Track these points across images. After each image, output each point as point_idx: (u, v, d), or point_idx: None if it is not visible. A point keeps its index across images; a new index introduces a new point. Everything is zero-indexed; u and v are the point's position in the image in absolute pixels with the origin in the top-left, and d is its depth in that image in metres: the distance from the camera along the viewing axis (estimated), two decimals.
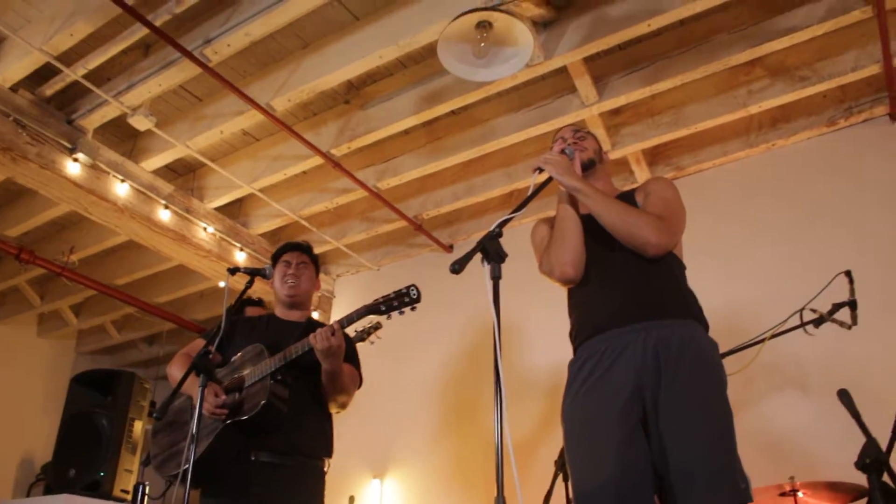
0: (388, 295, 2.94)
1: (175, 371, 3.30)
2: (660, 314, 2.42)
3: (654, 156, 5.37)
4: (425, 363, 5.79)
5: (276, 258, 3.51)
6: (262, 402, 2.97)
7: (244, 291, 3.18)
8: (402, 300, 2.91)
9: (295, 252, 3.50)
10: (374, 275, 6.54)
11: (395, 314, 2.94)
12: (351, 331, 3.32)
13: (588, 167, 2.77)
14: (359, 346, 3.41)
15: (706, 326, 2.50)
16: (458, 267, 2.06)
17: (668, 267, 2.52)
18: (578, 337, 2.56)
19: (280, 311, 3.43)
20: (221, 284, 6.21)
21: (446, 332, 5.81)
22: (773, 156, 5.02)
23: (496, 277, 2.06)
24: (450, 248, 6.20)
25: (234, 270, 3.20)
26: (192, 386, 3.12)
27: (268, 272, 3.32)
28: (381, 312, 2.95)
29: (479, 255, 2.12)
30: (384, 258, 6.48)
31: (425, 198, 5.85)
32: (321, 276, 6.50)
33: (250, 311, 4.36)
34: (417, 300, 2.90)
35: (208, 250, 5.69)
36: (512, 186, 5.49)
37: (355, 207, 6.11)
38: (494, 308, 2.01)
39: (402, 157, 5.42)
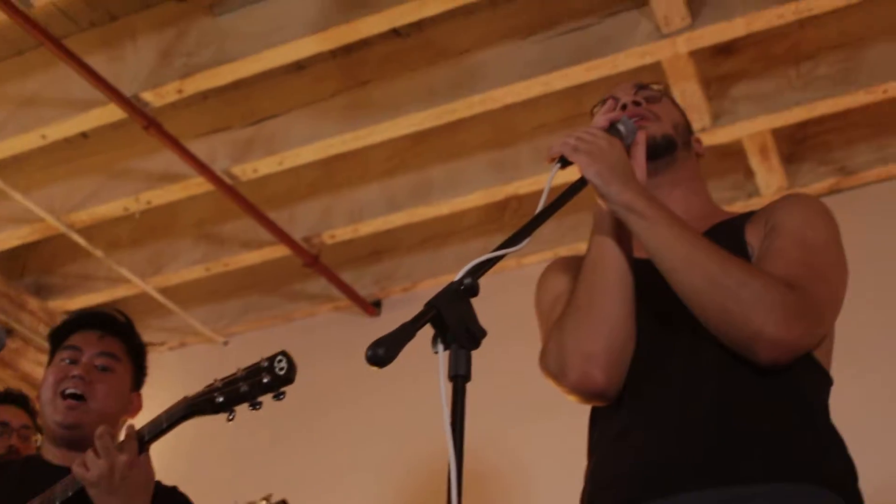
0: (233, 375, 2.58)
1: None
2: (762, 474, 2.04)
3: (796, 143, 4.81)
4: None
5: (55, 340, 3.13)
6: None
7: None
8: (258, 382, 2.52)
9: (95, 333, 3.08)
10: (218, 352, 5.79)
11: (243, 408, 2.57)
12: None
13: (659, 156, 2.40)
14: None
15: (853, 500, 2.09)
16: (383, 353, 1.64)
17: (795, 384, 2.15)
18: None
19: (50, 452, 3.09)
20: None
21: (362, 482, 4.89)
22: None
23: (460, 376, 1.64)
24: (374, 308, 5.56)
25: None
26: None
27: None
28: (217, 408, 2.56)
29: (428, 331, 1.69)
30: (238, 321, 5.73)
31: (329, 203, 5.14)
32: None
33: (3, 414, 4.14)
34: (286, 378, 2.52)
35: None
36: (506, 188, 4.79)
37: (185, 214, 5.36)
38: (453, 442, 1.59)
39: (288, 115, 4.72)
